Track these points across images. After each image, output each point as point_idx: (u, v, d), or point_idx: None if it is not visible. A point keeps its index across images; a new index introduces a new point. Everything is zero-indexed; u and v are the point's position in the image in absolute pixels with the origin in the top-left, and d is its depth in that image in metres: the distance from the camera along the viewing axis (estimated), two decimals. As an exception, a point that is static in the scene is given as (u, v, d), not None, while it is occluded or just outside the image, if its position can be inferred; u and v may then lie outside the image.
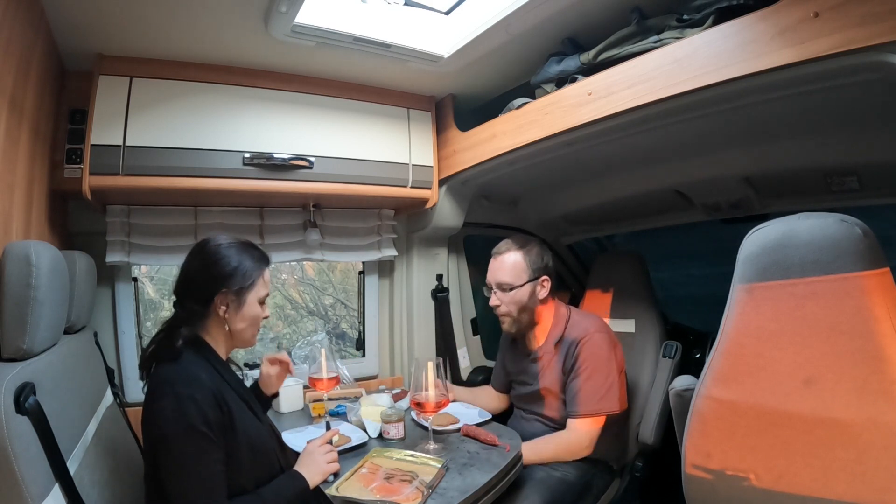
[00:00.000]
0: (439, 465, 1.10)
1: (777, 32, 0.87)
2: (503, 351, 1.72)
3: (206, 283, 1.03)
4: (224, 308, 1.03)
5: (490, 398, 1.68)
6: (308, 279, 2.64)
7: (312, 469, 1.03)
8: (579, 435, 1.38)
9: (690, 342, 1.83)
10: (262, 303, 1.10)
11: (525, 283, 1.46)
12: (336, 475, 1.08)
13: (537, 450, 1.37)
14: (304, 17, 1.21)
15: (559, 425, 1.45)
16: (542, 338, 1.54)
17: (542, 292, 1.50)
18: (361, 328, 2.04)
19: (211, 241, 1.07)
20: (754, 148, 1.40)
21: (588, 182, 1.89)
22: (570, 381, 1.41)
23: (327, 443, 1.13)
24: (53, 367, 0.88)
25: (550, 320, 1.53)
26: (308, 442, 1.14)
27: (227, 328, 1.05)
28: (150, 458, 0.92)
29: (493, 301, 1.49)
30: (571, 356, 1.43)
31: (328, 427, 1.22)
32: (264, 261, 1.11)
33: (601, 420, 1.39)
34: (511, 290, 1.45)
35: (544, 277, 1.50)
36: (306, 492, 1.00)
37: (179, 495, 0.87)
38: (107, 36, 1.25)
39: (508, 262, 1.47)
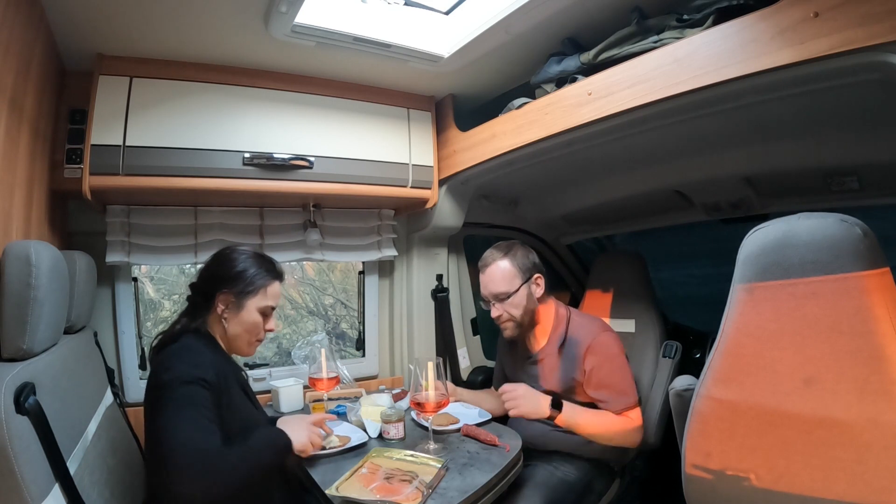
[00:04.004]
0: (439, 465, 1.10)
1: (777, 32, 0.87)
2: (501, 354, 1.72)
3: (211, 281, 1.11)
4: (223, 307, 1.10)
5: (493, 400, 1.67)
6: (308, 279, 2.64)
7: (297, 436, 1.01)
8: (633, 421, 1.38)
9: (690, 342, 1.83)
10: (265, 314, 1.14)
11: (520, 287, 1.45)
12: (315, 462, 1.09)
13: (588, 417, 1.36)
14: (304, 17, 1.21)
15: (558, 427, 1.43)
16: (542, 339, 1.53)
17: (538, 290, 1.50)
18: (361, 328, 2.04)
19: (230, 247, 1.18)
20: (754, 148, 1.40)
21: (588, 182, 1.89)
22: (595, 385, 1.40)
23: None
24: (53, 367, 0.88)
25: (551, 321, 1.52)
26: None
27: (224, 327, 1.10)
28: (152, 414, 0.93)
29: (494, 312, 1.48)
30: (581, 359, 1.42)
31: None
32: (273, 274, 1.16)
33: (639, 407, 1.41)
34: (508, 297, 1.45)
35: (536, 275, 1.50)
36: (289, 447, 0.99)
37: (171, 434, 0.86)
38: (107, 36, 1.25)
39: (498, 272, 1.46)
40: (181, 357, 0.98)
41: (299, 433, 1.02)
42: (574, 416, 1.35)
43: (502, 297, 1.45)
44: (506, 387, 1.37)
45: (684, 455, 0.96)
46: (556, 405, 1.34)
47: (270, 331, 1.17)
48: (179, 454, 0.83)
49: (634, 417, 1.39)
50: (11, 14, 0.91)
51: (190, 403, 0.90)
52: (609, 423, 1.38)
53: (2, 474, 0.67)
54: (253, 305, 1.11)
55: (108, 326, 1.57)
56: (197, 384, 0.93)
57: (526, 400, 1.34)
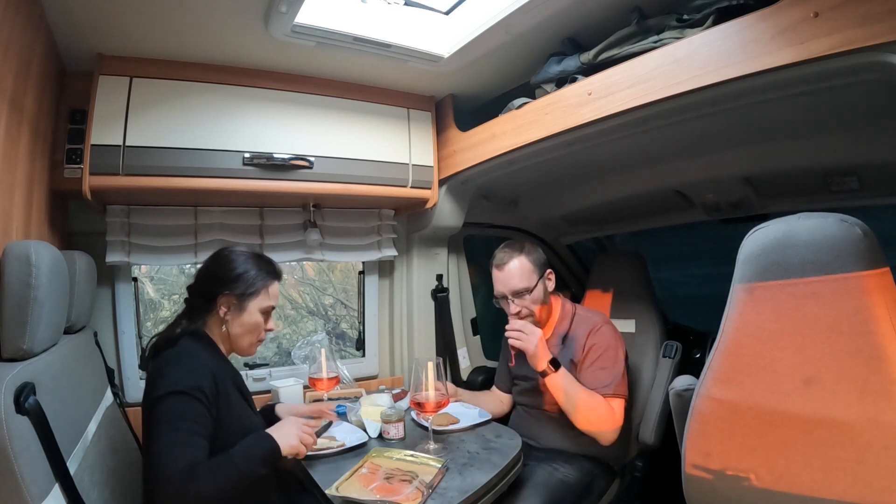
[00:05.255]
0: (439, 465, 1.10)
1: (777, 32, 0.87)
2: (505, 348, 1.73)
3: (212, 283, 1.10)
4: (225, 310, 1.09)
5: (492, 402, 1.68)
6: (308, 279, 2.64)
7: (286, 439, 0.99)
8: (612, 409, 1.38)
9: (690, 342, 1.83)
10: (265, 314, 1.14)
11: (537, 282, 1.49)
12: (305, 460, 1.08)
13: (577, 390, 1.36)
14: (304, 17, 1.21)
15: (558, 418, 1.45)
16: (547, 332, 1.56)
17: (551, 285, 1.55)
18: (361, 328, 2.04)
19: (227, 248, 1.15)
20: (754, 148, 1.40)
21: (588, 182, 1.89)
22: (587, 369, 1.43)
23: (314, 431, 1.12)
24: (53, 367, 0.88)
25: (557, 315, 1.56)
26: (293, 414, 1.17)
27: (226, 330, 1.10)
28: (146, 428, 0.93)
29: (513, 309, 1.49)
30: (581, 347, 1.46)
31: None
32: (273, 274, 1.15)
33: (623, 403, 1.42)
34: (529, 292, 1.47)
35: (548, 270, 1.54)
36: (276, 454, 0.96)
37: (158, 446, 0.87)
38: (107, 36, 1.25)
39: (517, 269, 1.48)
40: (177, 363, 0.96)
41: (288, 436, 0.99)
42: (565, 382, 1.36)
43: (523, 293, 1.47)
44: (518, 322, 1.39)
45: (684, 455, 0.96)
46: (554, 366, 1.36)
47: (270, 330, 1.16)
48: (160, 472, 0.84)
49: (617, 409, 1.39)
50: (11, 14, 0.91)
51: (177, 417, 0.89)
52: (593, 404, 1.36)
53: (2, 474, 0.67)
54: (255, 307, 1.11)
55: (108, 326, 1.57)
56: (189, 395, 0.91)
57: (532, 338, 1.36)
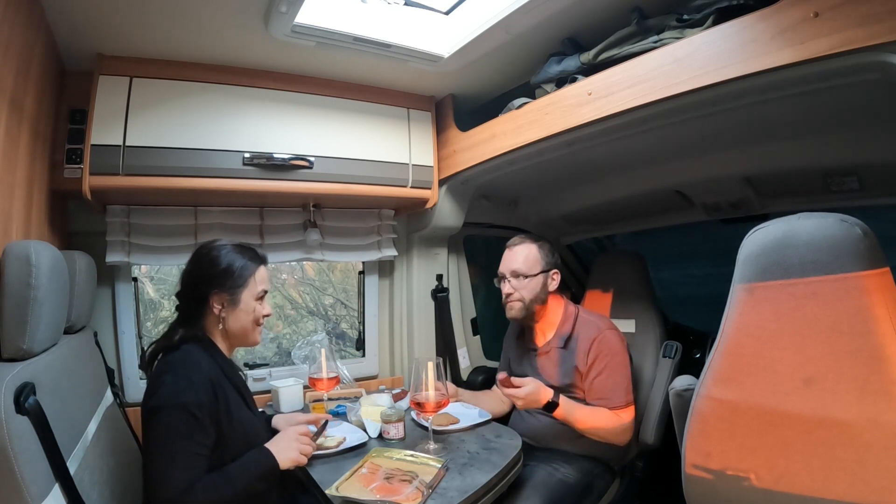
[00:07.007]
0: (439, 465, 1.10)
1: (777, 32, 0.87)
2: (508, 348, 1.74)
3: (200, 284, 1.08)
4: (219, 307, 1.08)
5: (493, 401, 1.67)
6: (308, 279, 2.63)
7: (285, 453, 1.01)
8: (623, 419, 1.41)
9: (690, 342, 1.83)
10: (259, 300, 1.13)
11: (538, 274, 1.51)
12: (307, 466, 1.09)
13: (578, 409, 1.38)
14: (304, 17, 1.21)
15: (557, 419, 1.45)
16: (549, 333, 1.56)
17: (553, 284, 1.55)
18: (361, 328, 2.04)
19: (206, 244, 1.13)
20: (754, 148, 1.40)
21: (588, 182, 1.89)
22: (595, 378, 1.43)
23: (310, 434, 1.11)
24: (53, 367, 0.88)
25: (559, 316, 1.56)
26: (290, 425, 1.16)
27: (223, 327, 1.09)
28: (145, 435, 0.94)
29: (506, 289, 1.53)
30: (586, 354, 1.45)
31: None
32: (257, 260, 1.14)
33: (633, 408, 1.44)
34: (526, 278, 1.50)
35: (555, 271, 1.55)
36: (275, 471, 0.98)
37: (157, 465, 0.89)
38: (107, 36, 1.25)
39: (523, 253, 1.52)
40: (176, 372, 0.95)
41: (287, 450, 1.01)
42: (571, 411, 1.38)
43: (520, 276, 1.50)
44: (514, 382, 1.36)
45: (684, 455, 0.96)
46: (554, 405, 1.35)
47: (268, 315, 1.15)
48: (158, 493, 0.86)
49: (625, 417, 1.41)
50: (11, 14, 0.91)
51: (176, 435, 0.90)
52: (602, 420, 1.39)
53: (2, 474, 0.67)
54: (248, 296, 1.10)
55: (108, 326, 1.57)
56: (187, 410, 0.91)
57: (527, 400, 1.34)
